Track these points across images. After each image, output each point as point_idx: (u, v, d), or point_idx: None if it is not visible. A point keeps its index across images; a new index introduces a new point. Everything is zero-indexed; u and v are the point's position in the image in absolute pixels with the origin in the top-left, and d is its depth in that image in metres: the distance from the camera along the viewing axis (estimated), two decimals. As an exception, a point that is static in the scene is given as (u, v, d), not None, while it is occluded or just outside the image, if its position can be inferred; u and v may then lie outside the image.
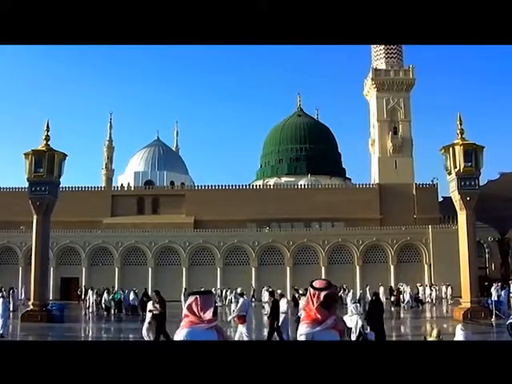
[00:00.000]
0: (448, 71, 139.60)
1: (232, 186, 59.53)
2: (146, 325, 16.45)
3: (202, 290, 4.14)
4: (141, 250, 50.77)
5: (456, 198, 26.89)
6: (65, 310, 28.19)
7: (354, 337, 11.46)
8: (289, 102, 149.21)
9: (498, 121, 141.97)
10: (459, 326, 10.21)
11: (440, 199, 56.57)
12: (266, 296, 35.02)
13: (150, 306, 16.83)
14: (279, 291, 20.49)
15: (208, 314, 3.66)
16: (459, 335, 9.77)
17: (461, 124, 27.19)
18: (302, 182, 62.77)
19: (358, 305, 16.77)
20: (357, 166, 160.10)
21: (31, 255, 27.80)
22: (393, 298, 39.81)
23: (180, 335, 3.68)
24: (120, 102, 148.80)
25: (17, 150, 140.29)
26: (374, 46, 63.29)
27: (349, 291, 34.72)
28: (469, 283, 26.10)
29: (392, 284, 45.58)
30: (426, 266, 50.01)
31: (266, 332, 17.17)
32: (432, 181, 59.53)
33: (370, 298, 24.45)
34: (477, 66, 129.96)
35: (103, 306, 32.91)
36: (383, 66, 62.61)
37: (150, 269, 49.97)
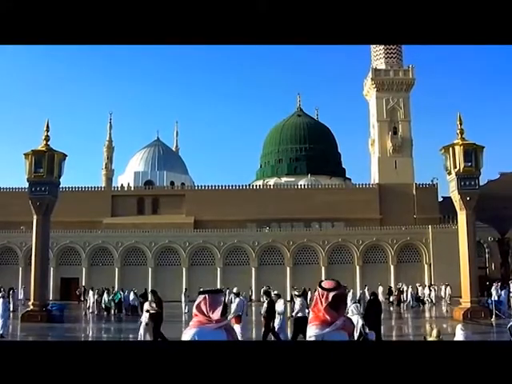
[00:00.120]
0: (448, 71, 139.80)
1: (232, 186, 59.53)
2: (142, 325, 16.43)
3: (212, 288, 4.03)
4: (141, 250, 50.77)
5: (456, 198, 26.90)
6: (65, 311, 28.20)
7: (354, 337, 11.47)
8: (289, 102, 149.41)
9: (498, 121, 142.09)
10: (459, 326, 10.21)
11: (440, 199, 56.57)
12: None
13: (146, 306, 16.80)
14: (276, 292, 20.46)
15: (216, 314, 3.59)
16: (459, 335, 9.77)
17: (461, 124, 27.20)
18: (302, 182, 62.78)
19: (359, 305, 16.78)
20: (357, 165, 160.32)
21: (31, 255, 27.80)
22: (392, 298, 39.91)
23: (188, 335, 3.59)
24: (120, 102, 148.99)
25: (17, 150, 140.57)
26: (374, 45, 63.30)
27: (349, 291, 34.68)
28: (469, 283, 26.10)
29: (392, 284, 45.61)
30: (425, 266, 50.00)
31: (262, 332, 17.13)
32: (432, 181, 59.59)
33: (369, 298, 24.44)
34: (477, 65, 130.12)
35: (103, 306, 32.91)
36: (383, 66, 62.61)
37: (150, 269, 49.96)
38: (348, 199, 56.70)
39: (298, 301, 16.46)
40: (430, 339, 9.22)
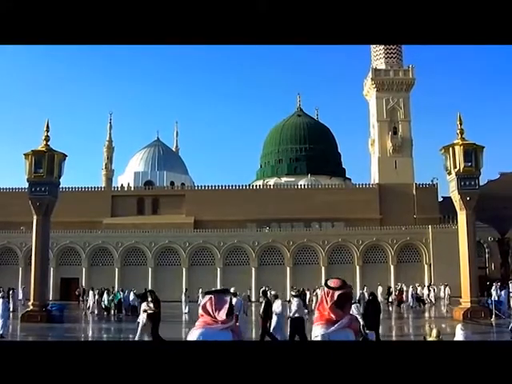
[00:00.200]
0: (448, 71, 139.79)
1: (232, 186, 59.54)
2: (140, 325, 16.42)
3: (218, 288, 3.96)
4: (141, 250, 50.77)
5: (456, 198, 26.90)
6: (65, 311, 28.19)
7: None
8: (289, 102, 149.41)
9: (498, 121, 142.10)
10: (459, 326, 10.21)
11: (440, 199, 56.57)
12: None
13: (144, 306, 16.79)
14: (273, 292, 20.49)
15: (222, 315, 3.53)
16: (459, 335, 9.77)
17: (461, 124, 27.20)
18: (302, 182, 62.79)
19: (358, 305, 16.78)
20: (357, 165, 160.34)
21: (31, 256, 27.79)
22: (391, 298, 39.91)
23: (193, 336, 3.53)
24: (120, 102, 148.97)
25: (17, 150, 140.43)
26: (374, 45, 63.28)
27: (351, 291, 34.70)
28: (469, 283, 26.10)
29: (392, 284, 45.63)
30: (425, 266, 50.00)
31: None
32: (432, 181, 59.59)
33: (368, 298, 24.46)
34: (477, 65, 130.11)
35: (103, 306, 32.89)
36: (383, 66, 62.61)
37: (150, 269, 49.96)
38: (348, 199, 56.70)
39: (294, 301, 16.48)
40: (429, 339, 9.22)
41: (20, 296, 40.55)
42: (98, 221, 54.65)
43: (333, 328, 3.65)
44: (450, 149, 26.88)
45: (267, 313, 15.57)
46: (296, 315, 15.44)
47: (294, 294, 18.34)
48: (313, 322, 3.90)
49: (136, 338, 16.08)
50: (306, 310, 30.42)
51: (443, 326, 22.89)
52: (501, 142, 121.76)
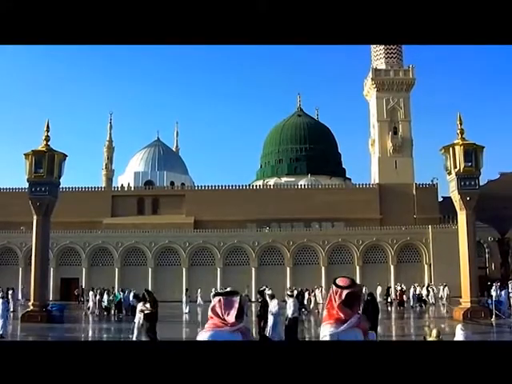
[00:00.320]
0: (448, 71, 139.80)
1: (232, 186, 59.54)
2: (136, 325, 16.41)
3: (227, 289, 3.90)
4: (141, 250, 50.76)
5: (456, 198, 26.90)
6: (65, 311, 28.19)
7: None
8: (289, 102, 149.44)
9: (498, 121, 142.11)
10: (459, 326, 10.21)
11: (440, 199, 56.57)
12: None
13: (140, 306, 16.78)
14: (270, 292, 20.47)
15: (231, 317, 3.47)
16: (459, 335, 9.77)
17: (461, 124, 27.20)
18: (302, 182, 62.79)
19: (358, 305, 16.72)
20: (357, 165, 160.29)
21: (31, 256, 27.80)
22: (390, 299, 39.89)
23: (202, 338, 3.46)
24: (120, 102, 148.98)
25: (17, 150, 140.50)
26: (374, 45, 63.26)
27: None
28: (469, 283, 26.10)
29: (392, 284, 45.63)
30: (425, 266, 50.00)
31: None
32: (432, 181, 59.58)
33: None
34: (477, 65, 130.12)
35: (103, 306, 32.88)
36: (383, 66, 62.61)
37: (150, 269, 49.95)
38: (348, 199, 56.70)
39: (289, 301, 16.48)
40: (429, 339, 9.22)
41: (19, 296, 40.58)
42: (98, 221, 54.64)
43: (342, 327, 3.62)
44: (450, 149, 26.89)
45: (263, 313, 15.61)
46: (292, 315, 15.54)
47: (289, 293, 18.41)
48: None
49: (133, 338, 16.07)
50: (304, 310, 30.45)
51: (443, 326, 22.90)
52: (501, 142, 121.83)
